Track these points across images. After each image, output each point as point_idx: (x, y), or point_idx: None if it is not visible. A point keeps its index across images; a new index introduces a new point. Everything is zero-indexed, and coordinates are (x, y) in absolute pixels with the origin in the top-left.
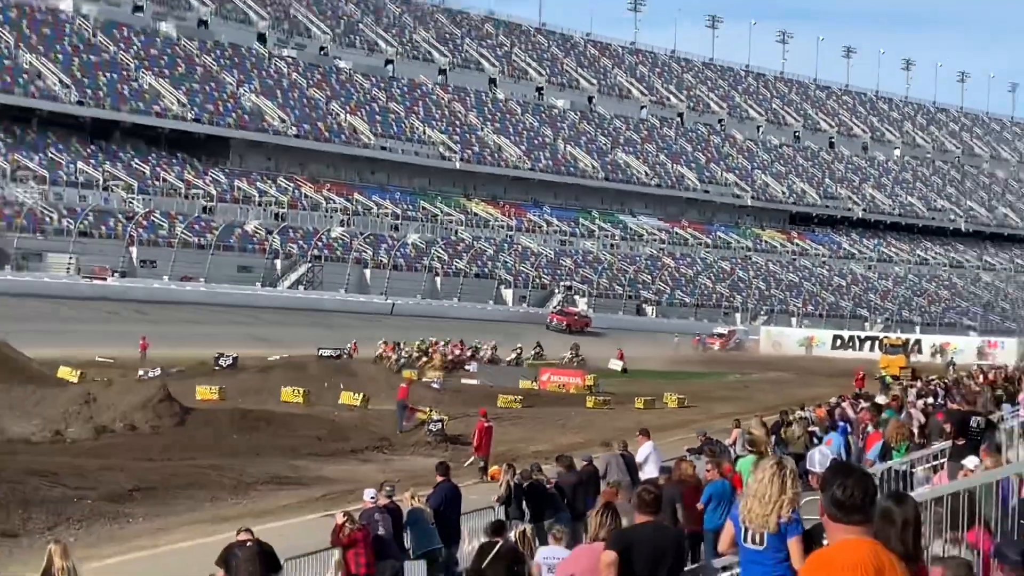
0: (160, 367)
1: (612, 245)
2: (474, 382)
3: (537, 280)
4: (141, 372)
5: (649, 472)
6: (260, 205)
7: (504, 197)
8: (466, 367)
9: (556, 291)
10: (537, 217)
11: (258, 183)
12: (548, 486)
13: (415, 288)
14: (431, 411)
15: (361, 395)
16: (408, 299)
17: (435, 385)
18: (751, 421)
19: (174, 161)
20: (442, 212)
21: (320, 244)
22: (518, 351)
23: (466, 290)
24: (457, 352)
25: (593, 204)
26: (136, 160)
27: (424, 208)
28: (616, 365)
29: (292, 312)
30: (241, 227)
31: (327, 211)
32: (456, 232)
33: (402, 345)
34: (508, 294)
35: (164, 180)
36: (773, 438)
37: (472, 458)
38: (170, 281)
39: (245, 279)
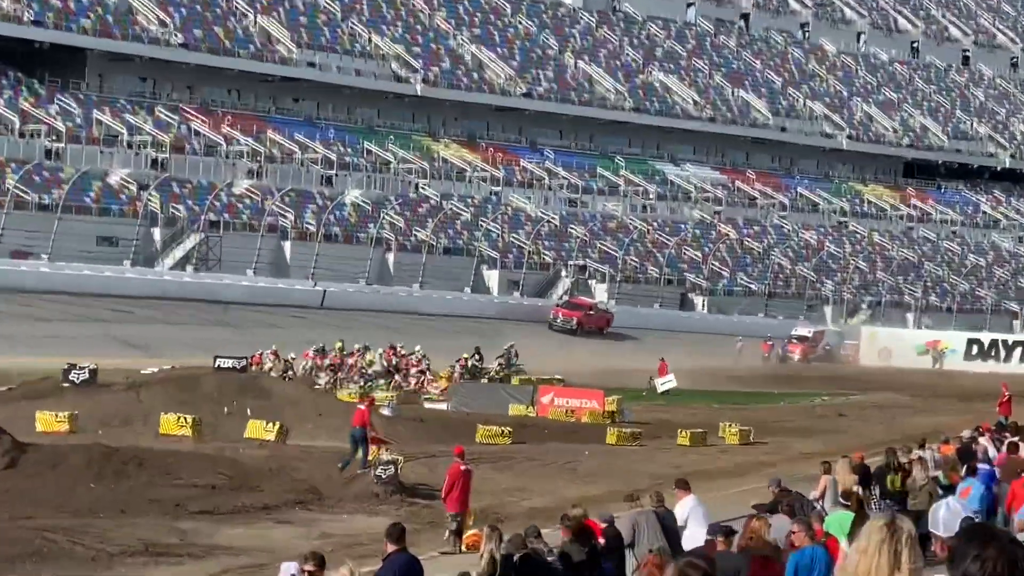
0: None
1: (645, 207)
2: (442, 406)
3: (535, 258)
4: None
5: (693, 537)
6: (130, 148)
7: (487, 137)
8: (426, 386)
9: (563, 274)
10: (535, 166)
11: (127, 115)
12: (550, 559)
13: (357, 269)
14: (379, 450)
15: (277, 425)
16: (347, 285)
17: (386, 411)
18: (838, 463)
19: (3, 82)
20: (397, 158)
21: (218, 205)
22: (504, 357)
23: (432, 272)
24: (394, 362)
25: (617, 147)
26: None
27: (370, 152)
28: (663, 383)
29: (177, 304)
30: (102, 180)
31: (228, 156)
32: (417, 187)
33: (341, 353)
34: (493, 278)
35: None
36: (876, 489)
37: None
38: None
39: (108, 256)
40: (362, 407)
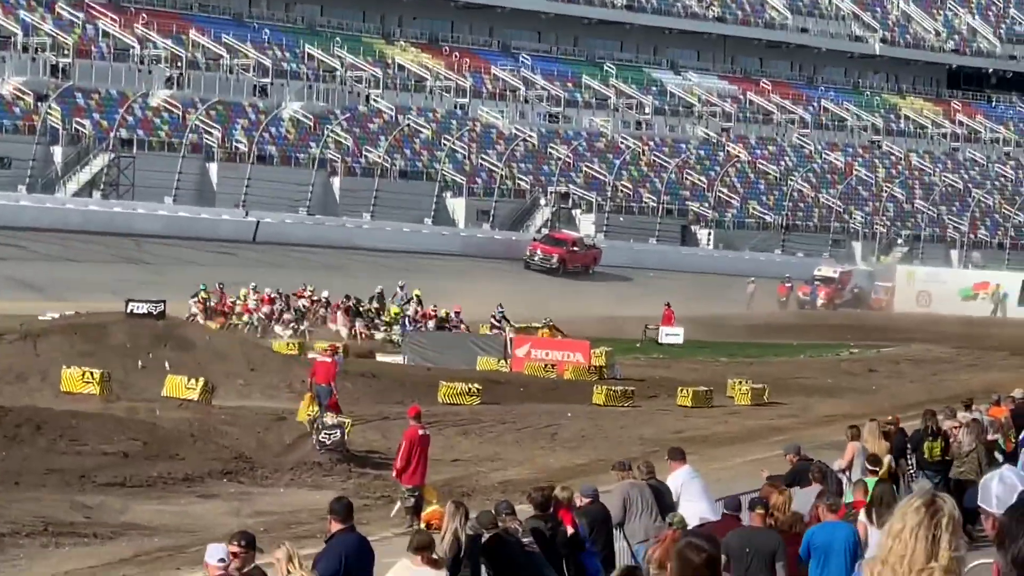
0: None
1: (640, 123)
2: (395, 359)
3: (509, 184)
4: None
5: (696, 510)
6: (25, 51)
7: (451, 39)
8: (368, 329)
9: (542, 203)
10: (509, 74)
11: (21, 12)
12: (525, 540)
13: (296, 197)
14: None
15: (201, 382)
16: (284, 215)
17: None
18: (866, 428)
19: None
20: (344, 64)
21: (131, 120)
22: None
23: (386, 200)
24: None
25: (607, 52)
26: None
27: (312, 58)
28: (669, 335)
29: (81, 238)
30: None
31: (143, 62)
32: (368, 99)
33: (279, 297)
34: (458, 208)
35: None
36: (913, 459)
37: (399, 503)
38: None
39: None
40: (329, 359)
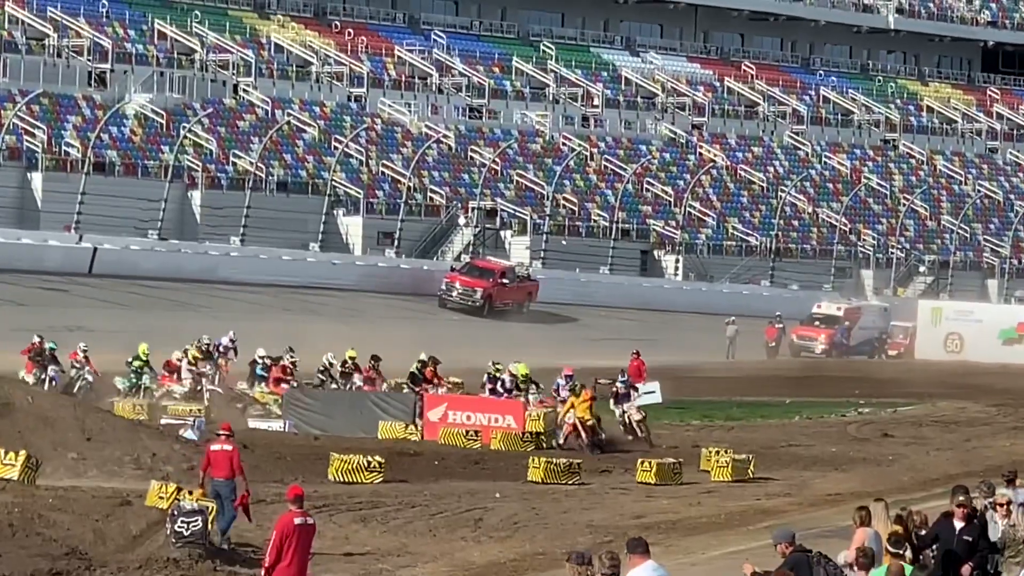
0: None
1: (587, 119)
2: (272, 426)
3: (419, 197)
4: None
5: None
6: None
7: (343, 12)
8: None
9: (461, 222)
10: (417, 55)
11: None
12: None
13: (144, 216)
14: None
15: (22, 456)
16: (129, 241)
17: (189, 433)
18: (876, 508)
19: None
20: (204, 44)
21: None
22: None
23: (261, 220)
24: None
25: (544, 27)
26: None
27: (163, 35)
28: (645, 394)
29: None
30: None
31: None
32: (236, 89)
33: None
34: (354, 228)
35: None
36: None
37: None
38: None
39: None
40: (230, 447)
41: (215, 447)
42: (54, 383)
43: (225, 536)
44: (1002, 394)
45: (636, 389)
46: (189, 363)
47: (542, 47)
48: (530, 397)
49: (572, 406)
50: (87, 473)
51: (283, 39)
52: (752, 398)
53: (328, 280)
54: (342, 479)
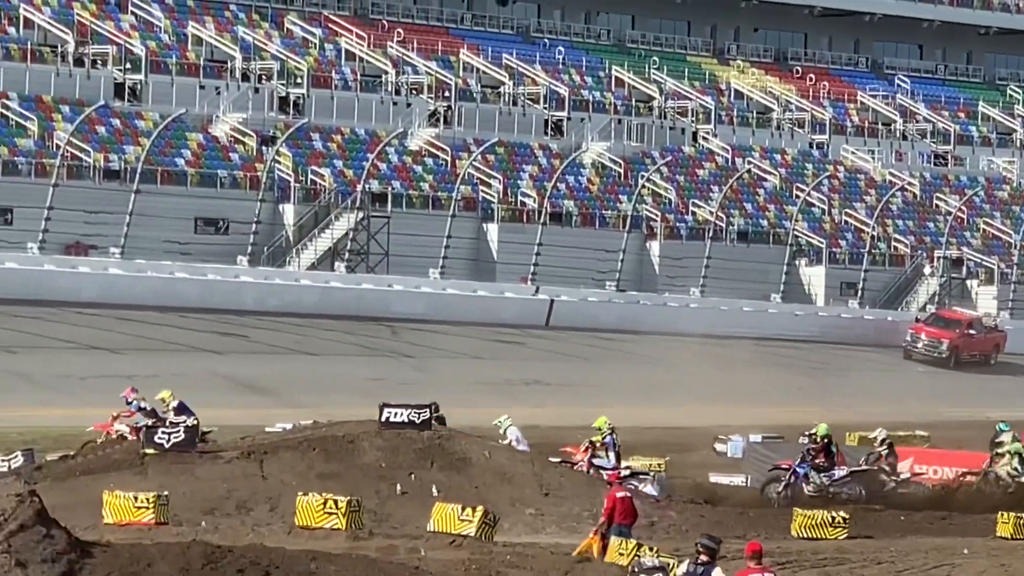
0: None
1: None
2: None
3: (883, 246)
4: None
5: None
6: (242, 78)
7: (804, 56)
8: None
9: (926, 271)
10: (880, 100)
11: (239, 27)
12: None
13: (601, 267)
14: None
15: (480, 511)
16: (587, 293)
17: (649, 488)
18: None
19: None
20: (663, 90)
21: (383, 168)
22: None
23: (720, 271)
24: None
25: (1011, 68)
26: None
27: (620, 82)
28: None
29: (320, 323)
30: None
31: (398, 91)
32: (696, 137)
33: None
34: (816, 278)
35: None
36: None
37: None
38: None
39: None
40: (628, 493)
41: (620, 494)
42: None
43: None
44: None
45: None
46: None
47: (1009, 90)
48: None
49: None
50: (545, 529)
51: (743, 85)
52: None
53: (790, 332)
54: (806, 535)
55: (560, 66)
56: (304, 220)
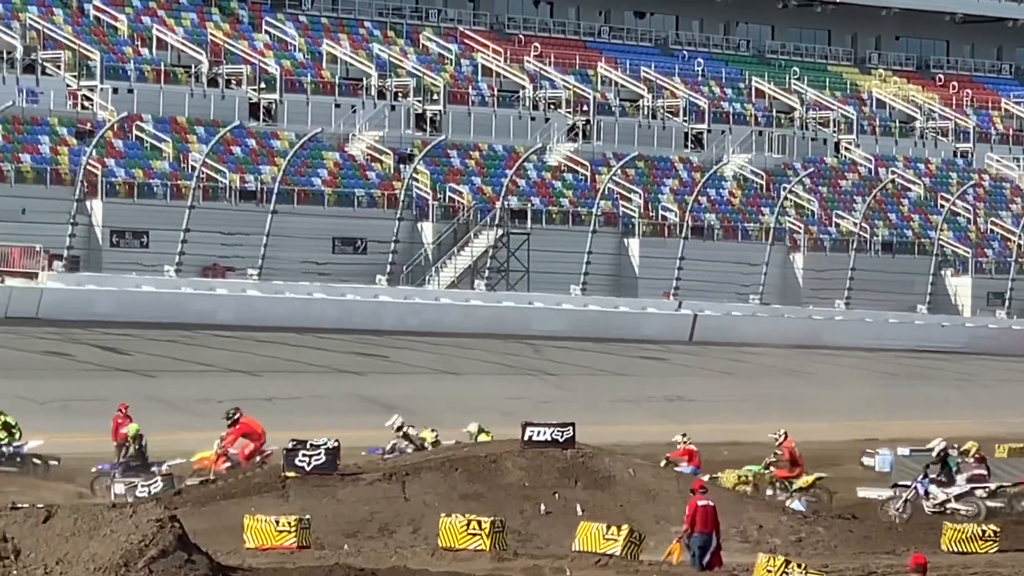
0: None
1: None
2: (882, 495)
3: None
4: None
5: None
6: (379, 95)
7: (947, 64)
8: None
9: None
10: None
11: (375, 45)
12: None
13: (745, 281)
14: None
15: (625, 530)
16: (731, 307)
17: (796, 504)
18: None
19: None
20: (803, 101)
21: (522, 184)
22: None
23: (865, 282)
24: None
25: None
26: None
27: (761, 93)
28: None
29: (461, 342)
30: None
31: (536, 106)
32: (838, 147)
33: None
34: (963, 289)
35: None
36: None
37: None
38: None
39: (358, 265)
40: (711, 501)
41: (701, 502)
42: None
43: None
44: None
45: None
46: None
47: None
48: None
49: None
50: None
51: (885, 94)
52: None
53: (936, 343)
54: (956, 549)
55: (699, 78)
56: (443, 238)
